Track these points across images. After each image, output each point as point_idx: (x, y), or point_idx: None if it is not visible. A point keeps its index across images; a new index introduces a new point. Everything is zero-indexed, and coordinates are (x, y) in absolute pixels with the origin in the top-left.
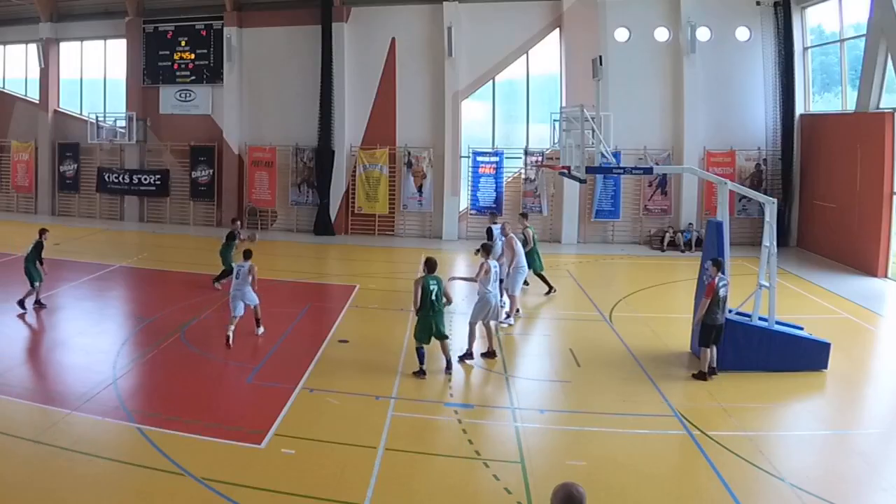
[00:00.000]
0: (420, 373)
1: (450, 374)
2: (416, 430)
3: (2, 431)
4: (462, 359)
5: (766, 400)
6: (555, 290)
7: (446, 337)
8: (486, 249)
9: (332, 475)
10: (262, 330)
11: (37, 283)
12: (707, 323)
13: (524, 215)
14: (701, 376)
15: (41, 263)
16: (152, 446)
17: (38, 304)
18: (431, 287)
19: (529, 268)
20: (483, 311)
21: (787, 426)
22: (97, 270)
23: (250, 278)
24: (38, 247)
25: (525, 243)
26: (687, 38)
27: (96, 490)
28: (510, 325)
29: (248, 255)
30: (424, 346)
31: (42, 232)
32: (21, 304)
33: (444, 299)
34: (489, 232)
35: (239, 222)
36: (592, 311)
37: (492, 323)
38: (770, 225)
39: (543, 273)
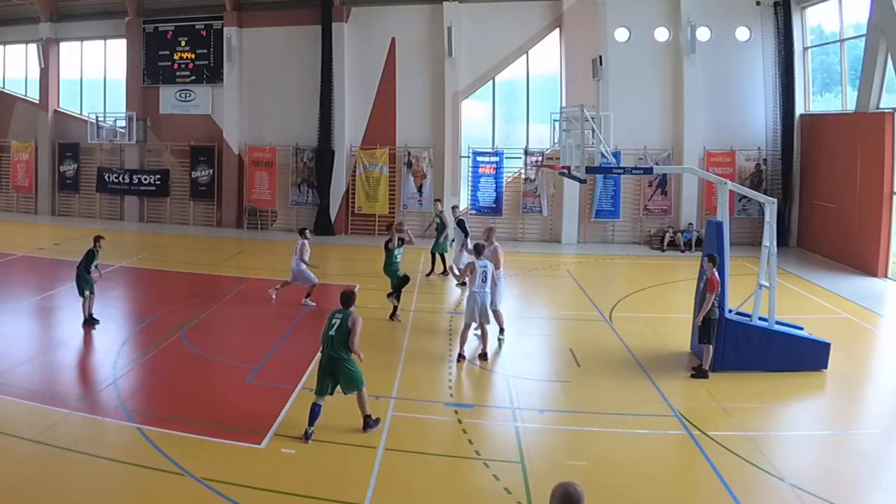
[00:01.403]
0: (305, 437)
1: (370, 430)
2: (416, 430)
3: (2, 431)
4: (458, 359)
5: (766, 400)
6: (435, 275)
7: (353, 390)
8: (477, 250)
9: (332, 475)
10: (310, 302)
11: (86, 293)
12: (710, 317)
13: (439, 200)
14: (702, 374)
15: (96, 270)
16: (152, 446)
17: (90, 321)
18: (333, 321)
19: (435, 249)
20: (471, 310)
21: (787, 426)
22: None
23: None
24: (90, 255)
25: (442, 226)
26: (687, 38)
27: (96, 490)
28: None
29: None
30: (320, 401)
31: (97, 239)
32: (89, 318)
33: (351, 345)
34: (461, 224)
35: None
36: (592, 311)
37: (486, 325)
38: (770, 225)
39: (444, 255)
